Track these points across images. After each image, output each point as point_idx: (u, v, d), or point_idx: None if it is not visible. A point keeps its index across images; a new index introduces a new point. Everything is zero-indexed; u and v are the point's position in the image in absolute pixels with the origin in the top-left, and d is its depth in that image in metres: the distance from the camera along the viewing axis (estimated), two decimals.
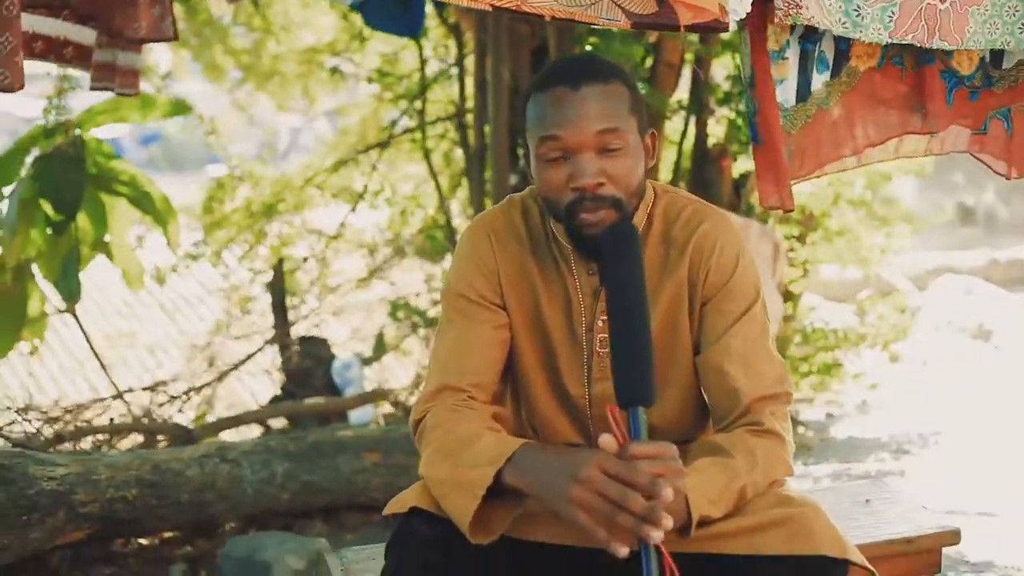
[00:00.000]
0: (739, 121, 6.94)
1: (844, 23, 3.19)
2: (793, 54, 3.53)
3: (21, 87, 3.42)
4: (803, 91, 3.56)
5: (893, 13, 3.17)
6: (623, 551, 2.00)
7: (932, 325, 10.23)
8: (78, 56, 4.44)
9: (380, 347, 8.61)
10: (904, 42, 3.19)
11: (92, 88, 4.38)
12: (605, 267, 2.20)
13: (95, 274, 9.70)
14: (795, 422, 7.61)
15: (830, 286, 11.10)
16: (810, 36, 3.46)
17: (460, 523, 2.25)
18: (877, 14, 3.17)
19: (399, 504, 2.41)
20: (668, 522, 1.98)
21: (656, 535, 1.98)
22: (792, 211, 3.54)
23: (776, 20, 3.20)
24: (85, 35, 4.41)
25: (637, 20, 3.20)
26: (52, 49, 4.39)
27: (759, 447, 2.38)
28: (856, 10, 3.17)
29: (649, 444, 2.08)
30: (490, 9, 3.04)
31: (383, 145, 8.67)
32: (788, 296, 7.73)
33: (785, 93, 3.56)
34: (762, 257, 6.63)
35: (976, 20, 3.22)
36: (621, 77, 2.49)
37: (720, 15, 3.18)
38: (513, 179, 6.70)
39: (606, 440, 2.08)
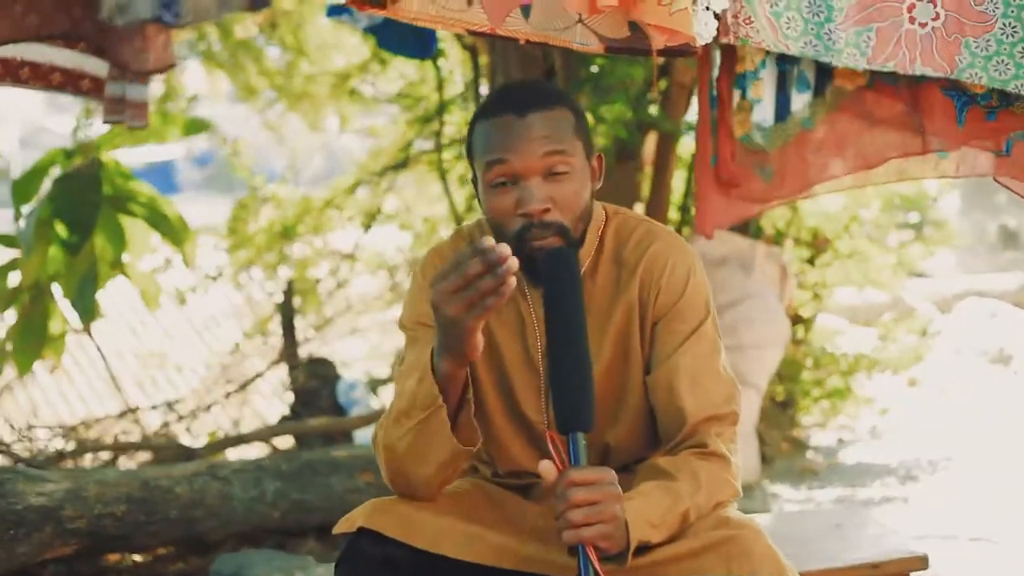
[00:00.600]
0: None
1: (815, 46, 3.11)
2: (769, 74, 3.54)
3: None
4: (782, 111, 3.55)
5: (870, 38, 3.09)
6: (511, 281, 2.08)
7: (952, 349, 10.15)
8: (95, 88, 4.55)
9: (398, 368, 8.62)
10: (885, 69, 3.11)
11: (105, 121, 4.48)
12: (544, 292, 2.21)
13: (125, 293, 9.81)
14: (804, 446, 7.58)
15: (855, 310, 11.03)
16: (788, 57, 3.44)
17: (447, 451, 2.35)
18: (851, 38, 3.09)
19: (347, 524, 2.44)
20: (505, 251, 2.07)
21: (512, 264, 2.06)
22: (711, 238, 3.54)
23: (728, 39, 3.18)
24: (100, 67, 4.50)
25: (610, 44, 3.22)
26: (70, 81, 4.49)
27: (703, 469, 2.39)
28: (828, 34, 3.09)
29: (588, 470, 2.12)
30: (466, 33, 3.08)
31: (400, 166, 8.71)
32: (798, 319, 7.69)
33: (763, 112, 3.56)
34: (769, 279, 6.62)
35: (972, 52, 3.06)
36: (566, 103, 2.51)
37: (691, 39, 3.19)
38: None
39: (545, 466, 2.11)
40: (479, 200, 2.53)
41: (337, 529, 2.47)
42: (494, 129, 2.45)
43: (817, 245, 7.77)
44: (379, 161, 9.18)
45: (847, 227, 7.67)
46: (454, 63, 8.59)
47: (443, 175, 8.28)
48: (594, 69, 6.23)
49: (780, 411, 7.45)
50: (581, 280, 2.22)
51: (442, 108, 8.30)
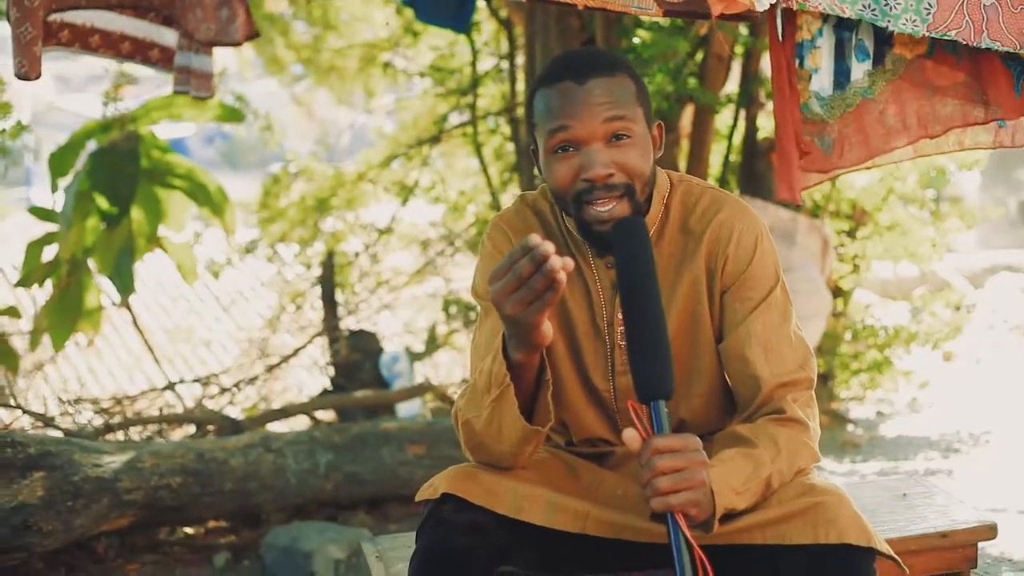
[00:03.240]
0: None
1: (872, 10, 3.06)
2: (826, 42, 3.49)
3: (37, 76, 3.51)
4: (841, 79, 3.51)
5: (931, 4, 3.00)
6: (561, 277, 2.09)
7: (986, 323, 10.12)
8: (163, 59, 4.54)
9: (431, 342, 8.65)
10: (946, 38, 3.03)
11: (175, 91, 4.47)
12: (617, 263, 2.20)
13: (154, 269, 9.83)
14: (844, 419, 7.57)
15: (886, 284, 11.01)
16: (846, 24, 3.40)
17: (517, 431, 2.36)
18: (912, 3, 3.02)
19: (431, 490, 2.45)
20: (549, 248, 2.08)
21: (556, 261, 2.07)
22: (800, 205, 3.52)
23: (786, 4, 3.14)
24: (169, 38, 4.49)
25: (668, 8, 3.20)
26: (139, 50, 4.49)
27: (781, 435, 2.39)
28: None
29: (672, 437, 2.10)
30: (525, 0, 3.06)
31: (435, 140, 8.70)
32: (838, 292, 7.67)
33: (821, 82, 3.52)
34: (810, 252, 6.60)
35: None
36: (625, 69, 2.49)
37: (751, 4, 3.17)
38: None
39: (630, 435, 2.09)
40: (539, 168, 2.53)
41: (420, 496, 2.48)
42: (555, 96, 2.44)
43: (856, 218, 7.74)
44: (410, 135, 9.17)
45: (885, 199, 7.63)
46: (488, 36, 8.56)
47: (478, 148, 8.27)
48: (636, 40, 6.19)
49: (820, 384, 7.43)
50: (652, 249, 2.21)
51: (476, 81, 8.28)
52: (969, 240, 13.85)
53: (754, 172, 7.19)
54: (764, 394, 2.46)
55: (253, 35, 4.32)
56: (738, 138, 7.42)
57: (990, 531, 3.14)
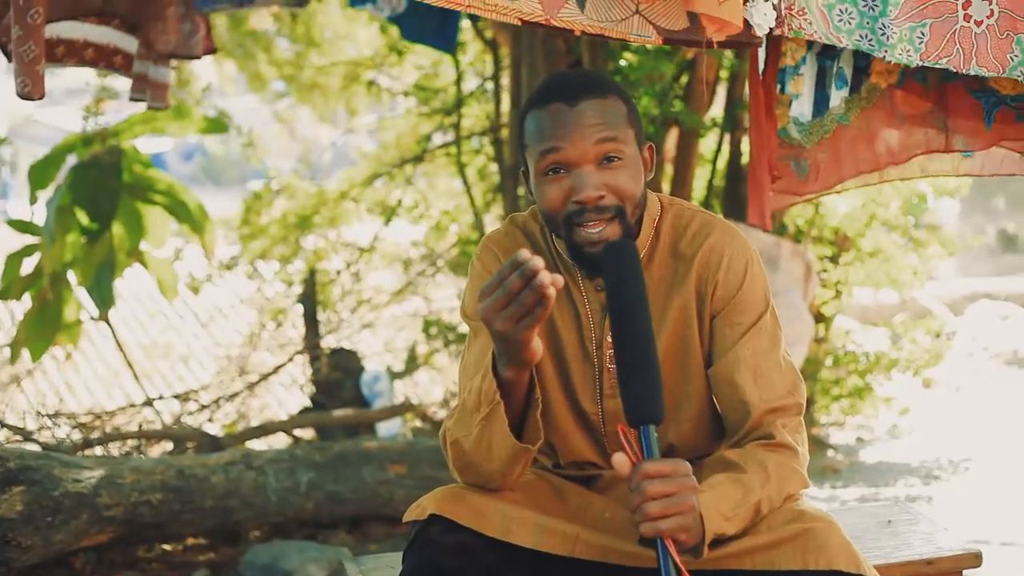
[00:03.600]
0: None
1: (869, 40, 3.07)
2: (809, 70, 3.52)
3: (41, 96, 3.46)
4: (820, 106, 3.53)
5: (923, 34, 3.02)
6: (551, 292, 2.07)
7: (966, 351, 10.16)
8: (126, 65, 4.52)
9: (412, 361, 8.64)
10: (938, 66, 3.03)
11: (131, 99, 4.45)
12: (607, 286, 2.18)
13: (132, 284, 9.78)
14: (824, 445, 7.58)
15: (866, 310, 11.04)
16: (828, 53, 3.42)
17: (507, 448, 2.32)
18: (906, 34, 3.03)
19: (418, 511, 2.42)
20: (538, 263, 2.06)
21: (544, 277, 2.05)
22: (769, 230, 3.55)
23: (780, 31, 3.15)
24: (132, 44, 4.47)
25: (668, 36, 3.19)
26: (102, 56, 4.46)
27: (770, 461, 2.37)
28: (882, 28, 3.04)
29: (662, 462, 2.08)
30: (519, 23, 3.05)
31: (418, 159, 8.70)
32: (820, 318, 7.69)
33: (801, 107, 3.54)
34: (793, 277, 6.61)
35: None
36: (616, 91, 2.48)
37: (737, 29, 3.16)
38: None
39: (619, 459, 2.07)
40: (529, 190, 2.51)
41: (408, 516, 2.45)
42: (546, 117, 2.42)
43: (839, 243, 7.76)
44: (392, 154, 9.17)
45: (868, 225, 7.65)
46: (472, 56, 8.57)
47: (462, 169, 8.27)
48: (622, 63, 6.20)
49: None
50: (642, 272, 2.20)
51: (460, 101, 8.29)
52: (948, 268, 13.91)
53: (738, 196, 7.20)
54: (753, 419, 2.44)
55: (212, 50, 4.35)
56: (722, 162, 7.44)
57: (975, 559, 3.13)
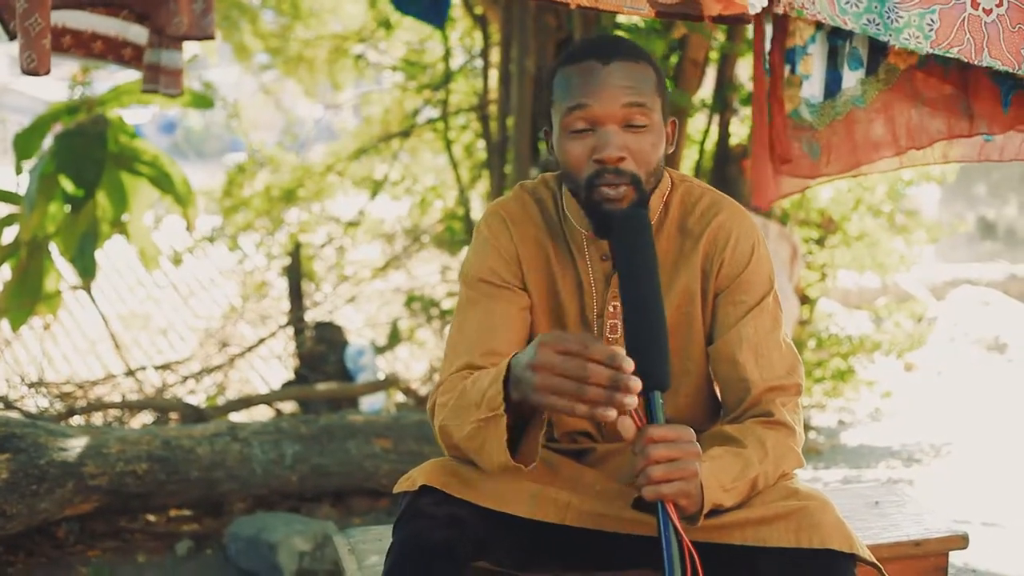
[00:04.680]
0: None
1: (876, 24, 3.04)
2: (818, 50, 3.50)
3: (47, 72, 3.40)
4: (831, 87, 3.51)
5: (933, 21, 2.97)
6: (611, 414, 1.97)
7: (948, 336, 10.20)
8: (135, 57, 4.49)
9: (394, 336, 8.62)
10: (949, 55, 2.97)
11: (144, 90, 4.42)
12: (618, 254, 2.20)
13: (111, 256, 9.73)
14: (806, 427, 7.59)
15: (848, 294, 11.07)
16: (840, 32, 3.40)
17: (499, 459, 2.22)
18: (915, 19, 2.98)
19: (408, 482, 2.42)
20: (637, 384, 1.96)
21: (629, 400, 1.96)
22: (766, 211, 3.53)
23: (780, 9, 3.13)
24: (141, 36, 4.43)
25: (662, 9, 3.18)
26: (111, 49, 4.43)
27: (769, 438, 2.39)
28: (889, 12, 3.01)
29: (667, 427, 2.11)
30: None
31: (405, 135, 8.68)
32: (804, 300, 7.70)
33: (811, 88, 3.53)
34: (779, 259, 6.61)
35: None
36: (648, 59, 2.49)
37: (744, 8, 3.16)
38: (534, 172, 6.68)
39: (625, 423, 2.07)
40: (552, 149, 2.51)
41: (398, 488, 2.45)
42: (577, 74, 2.43)
43: (825, 226, 7.77)
44: (379, 129, 9.13)
45: (854, 208, 7.66)
46: (461, 32, 8.54)
47: (448, 145, 8.25)
48: None
49: None
50: (654, 241, 2.20)
51: (448, 77, 8.26)
52: (928, 254, 13.96)
53: (726, 178, 7.18)
54: (753, 397, 2.47)
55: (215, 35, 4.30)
56: (710, 144, 7.42)
57: (962, 540, 3.15)
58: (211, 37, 4.22)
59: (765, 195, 3.57)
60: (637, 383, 1.97)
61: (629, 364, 1.97)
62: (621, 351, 1.98)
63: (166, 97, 4.51)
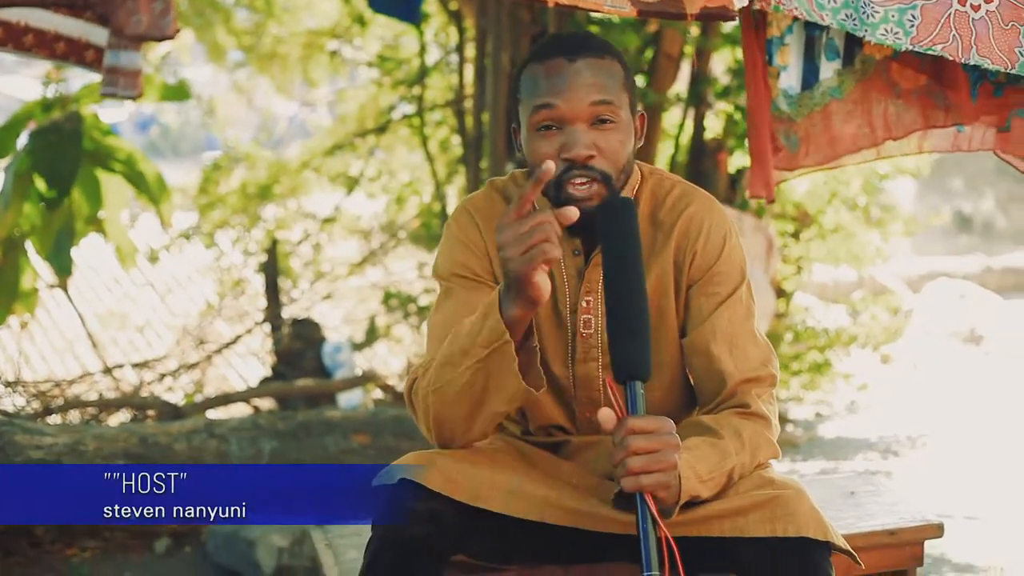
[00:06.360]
0: (736, 115, 6.94)
1: (852, 19, 2.98)
2: (795, 40, 3.48)
3: None
4: (809, 78, 3.49)
5: (914, 17, 2.89)
6: (573, 213, 2.15)
7: (924, 329, 10.24)
8: (98, 60, 4.44)
9: (372, 333, 8.62)
10: (933, 52, 2.89)
11: (102, 94, 4.38)
12: (602, 240, 2.20)
13: (88, 254, 9.69)
14: (783, 420, 7.61)
15: (824, 287, 11.10)
16: (815, 23, 3.39)
17: (513, 388, 2.29)
18: (893, 15, 2.91)
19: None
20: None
21: (571, 213, 2.14)
22: (773, 202, 3.53)
23: (759, 5, 3.13)
24: (103, 38, 4.40)
25: (643, 8, 3.16)
26: (74, 51, 4.39)
27: (745, 428, 2.39)
28: (865, 6, 2.93)
29: (647, 418, 2.12)
30: None
31: (380, 131, 8.67)
32: (780, 293, 7.72)
33: (789, 79, 3.51)
34: (755, 252, 6.62)
35: None
36: (615, 55, 2.49)
37: (728, 3, 3.14)
38: (509, 167, 6.68)
39: (605, 414, 2.09)
40: (519, 147, 2.51)
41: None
42: (543, 73, 2.42)
43: (800, 219, 7.78)
44: (352, 125, 9.12)
45: (829, 201, 7.68)
46: (436, 28, 8.53)
47: (424, 141, 8.25)
48: None
49: None
50: (639, 230, 2.20)
51: (423, 73, 8.26)
52: (904, 247, 14.00)
53: (701, 172, 7.19)
54: (728, 389, 2.46)
55: (177, 31, 4.27)
56: (685, 138, 7.44)
57: (937, 530, 3.16)
58: (170, 37, 4.19)
59: (768, 184, 3.54)
60: (549, 165, 2.13)
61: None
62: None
63: (125, 99, 4.48)
